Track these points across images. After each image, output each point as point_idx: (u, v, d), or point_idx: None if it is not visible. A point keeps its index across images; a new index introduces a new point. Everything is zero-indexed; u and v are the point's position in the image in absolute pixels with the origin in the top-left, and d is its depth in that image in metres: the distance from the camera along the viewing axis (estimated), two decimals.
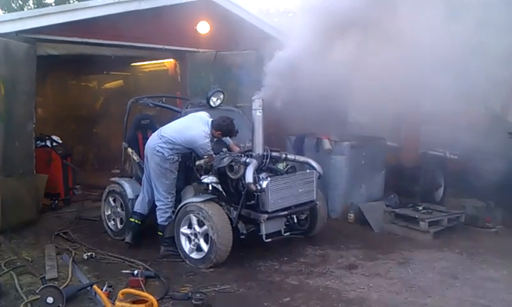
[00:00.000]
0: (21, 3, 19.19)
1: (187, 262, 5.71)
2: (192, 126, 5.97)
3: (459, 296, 4.94)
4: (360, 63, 8.23)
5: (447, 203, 8.31)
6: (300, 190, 6.03)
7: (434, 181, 8.41)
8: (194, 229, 5.68)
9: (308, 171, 6.29)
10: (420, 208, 7.30)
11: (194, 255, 5.70)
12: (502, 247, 6.51)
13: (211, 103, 6.69)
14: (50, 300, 4.45)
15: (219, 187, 5.87)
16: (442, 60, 8.35)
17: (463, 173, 9.08)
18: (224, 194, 5.89)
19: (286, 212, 5.90)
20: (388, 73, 8.25)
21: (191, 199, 5.83)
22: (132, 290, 4.27)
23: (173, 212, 5.98)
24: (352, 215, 7.58)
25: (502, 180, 7.86)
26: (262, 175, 5.78)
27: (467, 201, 7.99)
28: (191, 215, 5.69)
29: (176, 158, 6.00)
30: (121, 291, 4.11)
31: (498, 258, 6.06)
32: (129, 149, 6.79)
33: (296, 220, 6.29)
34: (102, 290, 4.54)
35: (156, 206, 6.10)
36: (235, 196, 5.84)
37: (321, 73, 7.26)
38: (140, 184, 6.44)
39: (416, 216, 6.91)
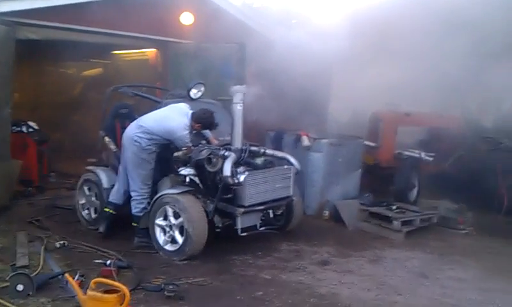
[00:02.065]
0: None
1: (161, 254, 5.70)
2: (172, 117, 5.94)
3: (428, 295, 5.05)
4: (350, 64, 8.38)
5: (421, 204, 8.45)
6: (277, 186, 6.07)
7: (409, 181, 8.54)
8: (170, 221, 5.66)
9: (286, 166, 6.32)
10: (394, 207, 7.42)
11: (168, 247, 5.68)
12: (471, 249, 6.67)
13: (191, 95, 6.64)
14: (20, 287, 4.40)
15: (196, 179, 5.87)
16: (424, 64, 8.52)
17: (437, 174, 9.28)
18: (202, 186, 5.89)
19: (262, 207, 5.93)
20: (372, 75, 8.40)
21: (167, 190, 5.81)
22: (104, 280, 4.23)
23: (149, 203, 5.95)
24: (327, 212, 7.65)
25: (474, 182, 8.05)
26: (240, 169, 5.79)
27: (440, 202, 8.15)
28: (167, 206, 5.66)
29: (154, 148, 5.96)
30: (93, 280, 4.08)
31: (468, 259, 6.21)
32: (106, 138, 6.71)
33: (272, 215, 6.33)
34: (73, 278, 4.50)
35: (131, 196, 6.07)
36: (212, 189, 5.83)
37: (312, 68, 7.36)
38: (116, 174, 6.38)
39: (390, 215, 7.02)
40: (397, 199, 8.17)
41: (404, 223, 6.97)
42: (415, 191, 8.67)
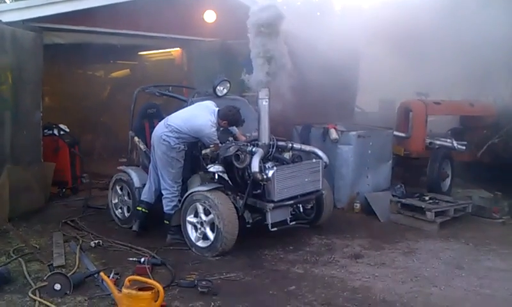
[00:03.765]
0: None
1: (194, 250, 5.75)
2: (199, 115, 5.97)
3: (464, 286, 4.94)
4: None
5: (454, 194, 8.27)
6: (306, 180, 6.03)
7: (441, 171, 8.37)
8: (201, 217, 5.70)
9: (314, 160, 6.28)
10: (427, 198, 7.27)
11: (200, 243, 5.73)
12: (508, 238, 6.49)
13: (217, 92, 6.67)
14: (57, 286, 4.52)
15: (225, 176, 5.89)
16: (454, 50, 8.32)
17: (471, 163, 9.07)
18: (231, 183, 5.91)
19: (292, 201, 5.91)
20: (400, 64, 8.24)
21: (197, 188, 5.85)
22: (138, 277, 4.30)
23: (179, 200, 6.01)
24: (358, 205, 7.57)
25: (508, 170, 7.83)
26: (268, 164, 5.78)
27: (474, 191, 7.97)
28: (197, 203, 5.71)
29: (183, 147, 6.01)
30: (127, 278, 4.14)
31: (505, 248, 6.05)
32: (136, 138, 6.81)
33: (301, 210, 6.32)
34: (108, 277, 4.58)
35: (162, 194, 6.14)
36: (241, 185, 5.85)
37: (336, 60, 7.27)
38: (147, 173, 6.46)
39: (423, 206, 6.89)
40: (430, 189, 8.02)
41: (438, 214, 6.83)
42: (448, 181, 8.49)
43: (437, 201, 7.21)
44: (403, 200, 7.20)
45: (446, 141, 8.84)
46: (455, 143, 8.75)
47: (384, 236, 6.50)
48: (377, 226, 7.01)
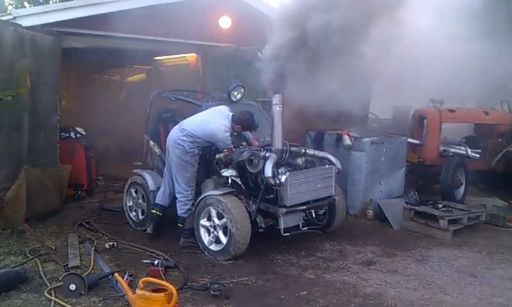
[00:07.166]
0: None
1: (206, 254, 5.80)
2: (213, 120, 6.04)
3: (476, 294, 4.92)
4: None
5: (468, 202, 8.22)
6: (319, 185, 6.05)
7: (455, 179, 8.32)
8: (214, 221, 5.76)
9: (327, 166, 6.30)
10: (440, 206, 7.24)
11: (213, 247, 5.78)
12: None
13: (232, 97, 6.74)
14: (72, 287, 4.59)
15: (238, 180, 5.94)
16: (470, 58, 8.27)
17: (485, 171, 9.00)
18: (244, 187, 5.95)
19: (304, 207, 5.93)
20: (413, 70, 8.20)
21: (210, 192, 5.91)
22: (152, 279, 4.35)
23: (193, 204, 6.07)
24: (371, 211, 7.57)
25: None
26: (281, 169, 5.82)
27: (488, 200, 7.91)
28: (211, 207, 5.76)
29: (197, 151, 6.08)
30: (141, 280, 4.20)
31: None
32: (151, 142, 6.91)
33: (314, 215, 6.33)
34: (123, 278, 4.64)
35: (176, 198, 6.20)
36: (254, 189, 5.89)
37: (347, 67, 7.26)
38: (161, 176, 6.54)
39: (436, 214, 6.86)
40: (443, 197, 7.99)
41: (451, 222, 6.80)
42: (461, 189, 8.44)
43: (450, 209, 7.17)
44: (416, 207, 7.18)
45: (460, 149, 8.80)
46: (469, 151, 8.70)
47: (396, 243, 6.49)
48: (390, 233, 7.00)
